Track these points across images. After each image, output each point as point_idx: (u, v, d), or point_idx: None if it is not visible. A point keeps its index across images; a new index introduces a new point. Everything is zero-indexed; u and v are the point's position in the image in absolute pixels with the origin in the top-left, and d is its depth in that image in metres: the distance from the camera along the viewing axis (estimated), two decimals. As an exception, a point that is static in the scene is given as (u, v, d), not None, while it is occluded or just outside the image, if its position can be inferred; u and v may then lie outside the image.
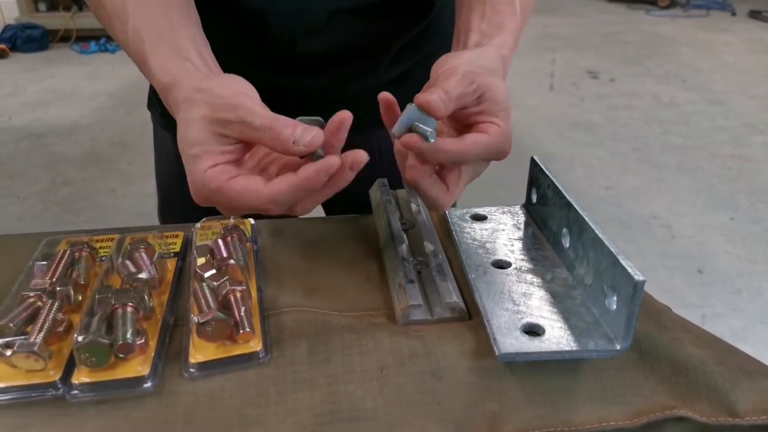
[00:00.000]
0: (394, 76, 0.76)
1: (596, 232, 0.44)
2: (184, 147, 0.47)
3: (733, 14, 6.09)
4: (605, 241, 0.42)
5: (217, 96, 0.46)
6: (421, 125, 0.47)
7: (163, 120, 0.79)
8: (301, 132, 0.45)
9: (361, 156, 0.46)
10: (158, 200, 0.88)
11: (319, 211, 0.85)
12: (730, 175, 2.93)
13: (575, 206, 0.47)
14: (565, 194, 0.49)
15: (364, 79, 0.75)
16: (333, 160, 0.45)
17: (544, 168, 0.54)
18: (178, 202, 0.83)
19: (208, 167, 0.46)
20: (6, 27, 4.95)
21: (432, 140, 0.46)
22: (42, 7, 5.14)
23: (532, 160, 0.56)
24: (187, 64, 0.51)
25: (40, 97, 3.94)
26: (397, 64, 0.76)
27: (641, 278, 0.38)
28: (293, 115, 0.47)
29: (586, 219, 0.45)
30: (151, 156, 0.86)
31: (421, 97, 0.46)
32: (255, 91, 0.50)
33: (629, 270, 0.38)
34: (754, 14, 5.96)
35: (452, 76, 0.48)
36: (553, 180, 0.52)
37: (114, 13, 0.54)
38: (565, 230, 0.50)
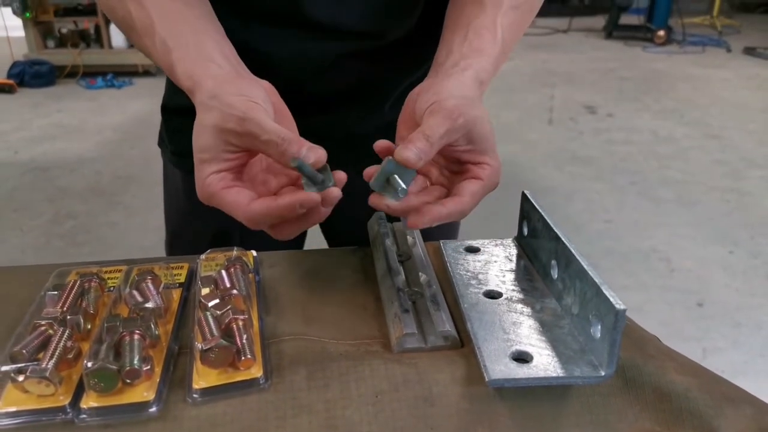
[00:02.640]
0: (396, 116, 0.79)
1: (582, 263, 0.46)
2: (196, 151, 0.51)
3: (729, 51, 6.20)
4: (589, 272, 0.44)
5: (228, 105, 0.49)
6: (397, 178, 0.50)
7: (174, 158, 0.82)
8: (306, 151, 0.48)
9: (333, 193, 0.49)
10: (166, 235, 0.89)
11: (321, 242, 0.87)
12: (729, 208, 2.95)
13: (563, 239, 0.50)
14: (554, 227, 0.51)
15: (367, 119, 0.77)
16: (312, 196, 0.48)
17: (534, 202, 0.56)
18: (187, 238, 0.85)
19: (211, 172, 0.50)
20: (14, 63, 5.05)
21: (402, 196, 0.49)
22: (50, 43, 5.26)
23: (523, 195, 0.58)
24: (210, 65, 0.54)
25: (46, 132, 4.00)
26: (400, 105, 0.78)
27: (622, 307, 0.40)
28: None
29: (573, 251, 0.47)
30: (154, 189, 0.89)
31: (400, 153, 0.48)
32: (268, 99, 0.53)
33: (611, 299, 0.41)
34: (749, 51, 6.07)
35: (437, 114, 0.50)
36: (543, 214, 0.54)
37: (144, 31, 0.57)
38: (553, 262, 0.52)
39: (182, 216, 0.84)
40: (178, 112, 0.80)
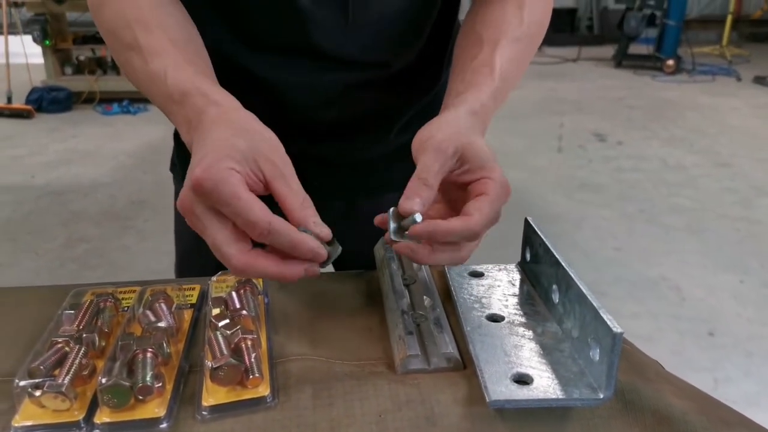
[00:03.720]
0: (402, 142, 0.81)
1: (581, 287, 0.47)
2: (216, 145, 0.47)
3: (739, 80, 6.21)
4: (588, 296, 0.45)
5: (264, 129, 0.51)
6: (406, 219, 0.51)
7: None
8: (314, 227, 0.49)
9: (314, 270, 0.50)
10: (176, 259, 0.91)
11: (328, 267, 0.88)
12: (739, 237, 2.94)
13: (563, 264, 0.51)
14: (554, 253, 0.53)
15: (375, 146, 0.79)
16: (315, 270, 0.50)
17: (536, 228, 0.58)
18: (196, 262, 0.87)
19: (232, 167, 0.46)
20: (33, 89, 5.15)
21: (419, 220, 0.50)
22: (68, 70, 5.36)
23: (526, 221, 0.60)
24: (222, 90, 0.55)
25: (62, 157, 4.07)
26: (406, 132, 0.80)
27: (619, 330, 0.41)
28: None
29: (572, 276, 0.49)
30: (166, 214, 0.91)
31: (404, 206, 0.50)
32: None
33: (609, 323, 0.42)
34: (759, 80, 6.08)
35: (428, 151, 0.52)
36: (544, 239, 0.56)
37: (148, 53, 0.57)
38: (554, 286, 0.53)
39: (192, 240, 0.85)
40: None
